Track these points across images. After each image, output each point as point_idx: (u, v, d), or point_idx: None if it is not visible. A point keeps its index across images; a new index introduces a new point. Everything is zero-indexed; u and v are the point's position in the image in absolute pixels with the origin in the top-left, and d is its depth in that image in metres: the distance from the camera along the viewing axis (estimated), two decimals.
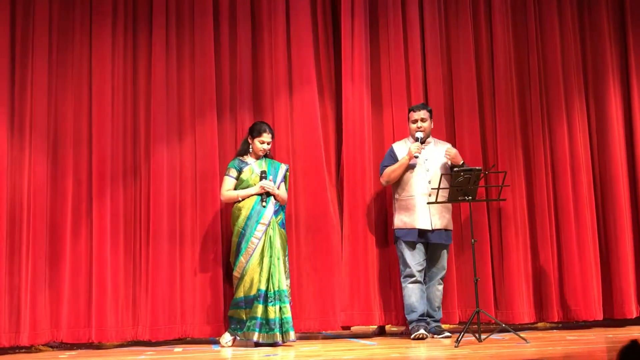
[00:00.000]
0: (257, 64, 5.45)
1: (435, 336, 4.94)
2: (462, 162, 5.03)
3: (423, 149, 5.03)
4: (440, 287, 5.07)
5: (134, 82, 5.28)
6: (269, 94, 5.42)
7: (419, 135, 5.02)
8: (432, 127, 5.19)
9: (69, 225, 4.99)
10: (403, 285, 5.03)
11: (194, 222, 5.17)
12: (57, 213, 5.00)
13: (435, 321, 5.03)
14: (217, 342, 5.00)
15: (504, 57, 5.67)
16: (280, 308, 4.73)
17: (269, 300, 4.72)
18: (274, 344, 4.68)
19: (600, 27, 5.84)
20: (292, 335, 4.72)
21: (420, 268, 4.99)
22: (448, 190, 4.74)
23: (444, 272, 5.07)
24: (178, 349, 4.86)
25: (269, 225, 4.84)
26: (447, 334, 4.93)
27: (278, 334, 4.68)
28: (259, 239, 4.80)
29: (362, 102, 5.47)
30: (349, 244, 5.30)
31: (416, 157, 4.97)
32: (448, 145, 5.19)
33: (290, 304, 4.89)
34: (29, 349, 4.88)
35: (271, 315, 4.69)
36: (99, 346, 4.98)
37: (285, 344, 4.71)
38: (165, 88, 5.27)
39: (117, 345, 5.01)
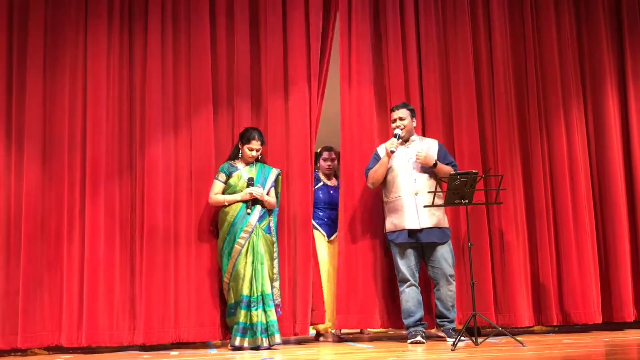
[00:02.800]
0: (254, 61, 5.44)
1: (448, 339, 4.88)
2: (434, 161, 4.95)
3: (406, 148, 5.05)
4: (452, 287, 4.98)
5: (130, 80, 5.28)
6: (266, 91, 5.41)
7: (398, 132, 5.01)
8: (415, 125, 5.18)
9: (65, 227, 4.99)
10: (400, 290, 5.01)
11: (189, 222, 5.16)
12: (53, 215, 5.01)
13: (450, 322, 4.98)
14: (213, 346, 4.99)
15: (502, 61, 5.68)
16: (265, 311, 4.76)
17: (252, 305, 4.75)
18: (256, 348, 4.70)
19: (598, 32, 5.85)
20: (277, 337, 4.75)
21: (412, 271, 4.97)
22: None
23: (450, 271, 4.97)
24: (174, 352, 4.85)
25: (252, 231, 4.89)
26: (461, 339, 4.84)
27: (260, 337, 4.71)
28: (242, 246, 4.86)
29: (360, 105, 5.47)
30: (346, 247, 5.29)
31: (392, 152, 4.94)
32: (435, 142, 5.18)
33: (278, 306, 4.93)
34: (24, 352, 4.88)
35: (254, 320, 4.73)
36: (94, 350, 4.97)
37: (271, 347, 4.72)
38: (160, 85, 5.27)
39: (114, 349, 5.00)
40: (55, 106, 5.15)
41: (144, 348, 5.01)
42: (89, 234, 4.98)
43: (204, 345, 5.15)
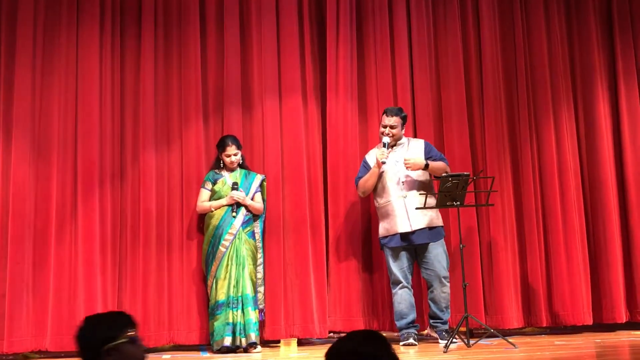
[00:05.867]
0: (245, 70, 5.43)
1: (440, 341, 4.88)
2: (424, 163, 4.95)
3: (392, 152, 5.04)
4: (446, 289, 4.97)
5: (121, 85, 5.25)
6: (257, 100, 5.40)
7: (386, 140, 5.01)
8: (403, 132, 5.17)
9: (53, 230, 4.93)
10: (392, 292, 5.02)
11: (181, 228, 5.16)
12: (42, 217, 4.94)
13: (444, 323, 4.97)
14: (205, 349, 4.98)
15: (492, 63, 5.69)
16: (244, 312, 4.84)
17: (233, 306, 4.84)
18: (237, 348, 4.79)
19: (588, 33, 5.86)
20: (253, 337, 4.82)
21: (405, 273, 4.97)
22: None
23: (444, 273, 4.96)
24: (166, 355, 4.83)
25: (236, 235, 4.96)
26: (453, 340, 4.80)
27: (239, 337, 4.80)
28: (226, 248, 4.93)
29: (346, 112, 5.46)
30: (334, 251, 5.31)
31: (383, 162, 4.95)
32: (420, 141, 5.19)
33: (262, 311, 5.00)
34: (16, 356, 4.84)
35: (235, 320, 4.82)
36: None
37: (249, 346, 4.78)
38: (152, 91, 5.25)
39: None
40: (46, 108, 5.08)
41: None
42: (81, 238, 4.94)
43: (196, 348, 5.13)
